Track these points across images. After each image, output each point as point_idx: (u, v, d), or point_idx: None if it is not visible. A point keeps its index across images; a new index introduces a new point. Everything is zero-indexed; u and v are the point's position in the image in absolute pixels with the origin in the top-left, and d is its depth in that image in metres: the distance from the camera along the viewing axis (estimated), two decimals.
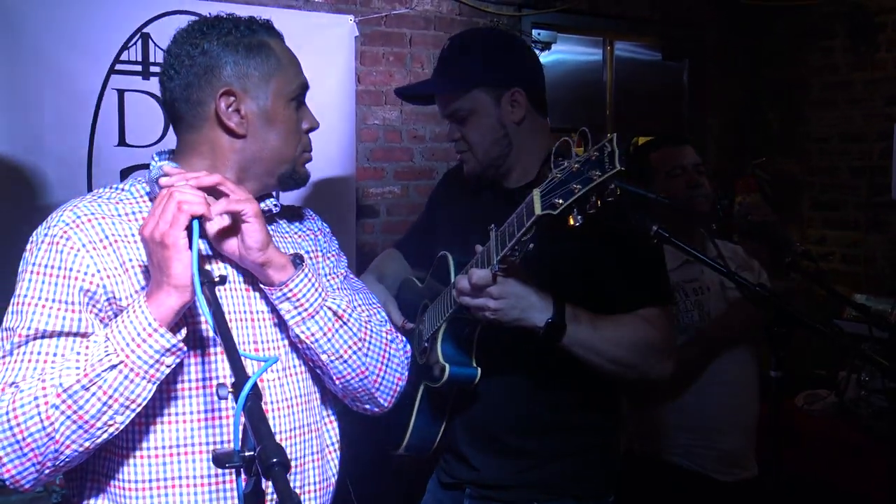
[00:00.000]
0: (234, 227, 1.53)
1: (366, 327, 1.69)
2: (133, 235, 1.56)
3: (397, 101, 4.31)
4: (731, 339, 2.78)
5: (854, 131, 5.12)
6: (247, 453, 1.17)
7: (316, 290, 1.61)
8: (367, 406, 1.77)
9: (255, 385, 1.19)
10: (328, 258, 1.83)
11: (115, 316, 1.49)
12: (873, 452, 3.27)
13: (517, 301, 1.91)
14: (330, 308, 1.63)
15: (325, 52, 3.95)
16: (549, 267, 2.01)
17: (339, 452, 1.79)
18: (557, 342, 1.96)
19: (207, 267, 1.53)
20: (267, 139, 1.63)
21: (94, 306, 1.50)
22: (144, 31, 3.54)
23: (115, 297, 1.51)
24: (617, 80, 5.27)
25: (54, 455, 1.42)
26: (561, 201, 1.63)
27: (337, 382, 1.68)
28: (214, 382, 1.56)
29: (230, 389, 1.23)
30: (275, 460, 1.10)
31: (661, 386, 2.77)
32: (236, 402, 1.18)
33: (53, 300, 1.48)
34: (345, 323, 1.64)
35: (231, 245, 1.55)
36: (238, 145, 1.62)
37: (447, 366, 2.08)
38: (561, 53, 5.03)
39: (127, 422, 1.44)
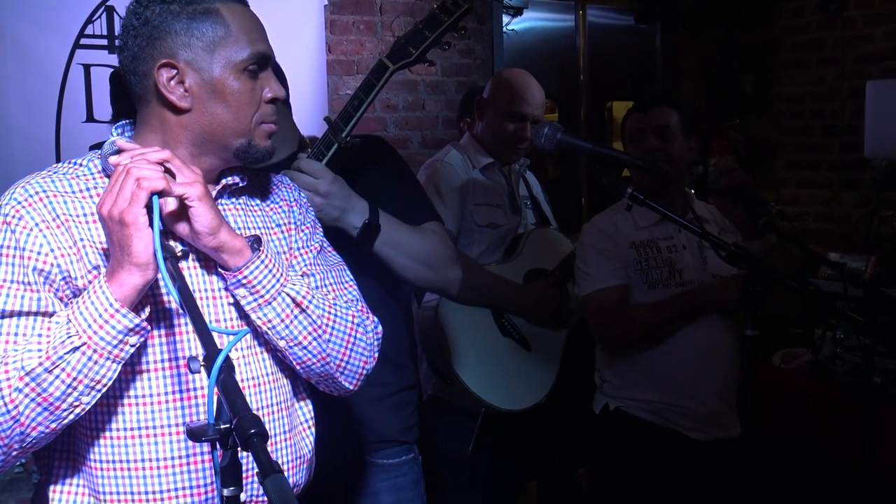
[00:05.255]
0: (183, 209, 1.47)
1: (329, 312, 1.63)
2: (87, 214, 1.50)
3: (369, 70, 4.27)
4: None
5: (826, 90, 5.13)
6: (222, 426, 1.16)
7: (273, 275, 1.55)
8: (332, 389, 1.73)
9: (227, 357, 1.18)
10: (302, 231, 1.77)
11: (74, 295, 1.46)
12: (849, 409, 3.30)
13: (341, 201, 1.98)
14: (288, 294, 1.57)
15: (294, 21, 3.91)
16: None
17: (314, 429, 1.75)
18: (372, 243, 2.05)
19: (168, 242, 1.48)
20: (215, 113, 1.55)
21: (50, 285, 1.46)
22: (108, 3, 3.49)
23: (70, 276, 1.47)
24: (590, 46, 5.25)
25: (21, 437, 1.40)
26: (413, 49, 2.02)
27: (297, 367, 1.65)
28: (182, 361, 1.53)
29: (202, 363, 1.21)
30: (253, 431, 1.09)
31: (635, 342, 2.79)
32: (209, 376, 1.17)
33: (12, 281, 1.44)
34: (304, 310, 1.59)
35: (183, 228, 1.49)
36: (184, 120, 1.55)
37: None
38: (533, 20, 4.99)
39: (93, 402, 1.42)
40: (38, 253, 1.45)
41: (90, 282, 1.45)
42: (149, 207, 1.38)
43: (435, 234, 2.21)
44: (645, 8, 5.35)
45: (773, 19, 5.36)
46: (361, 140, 2.18)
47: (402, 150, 4.27)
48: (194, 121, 1.55)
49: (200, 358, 1.23)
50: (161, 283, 1.49)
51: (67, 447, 1.55)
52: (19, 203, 1.47)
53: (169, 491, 1.52)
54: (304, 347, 1.61)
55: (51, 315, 1.45)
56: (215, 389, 1.17)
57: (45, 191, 1.50)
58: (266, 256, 1.55)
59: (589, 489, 4.06)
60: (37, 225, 1.46)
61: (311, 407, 1.76)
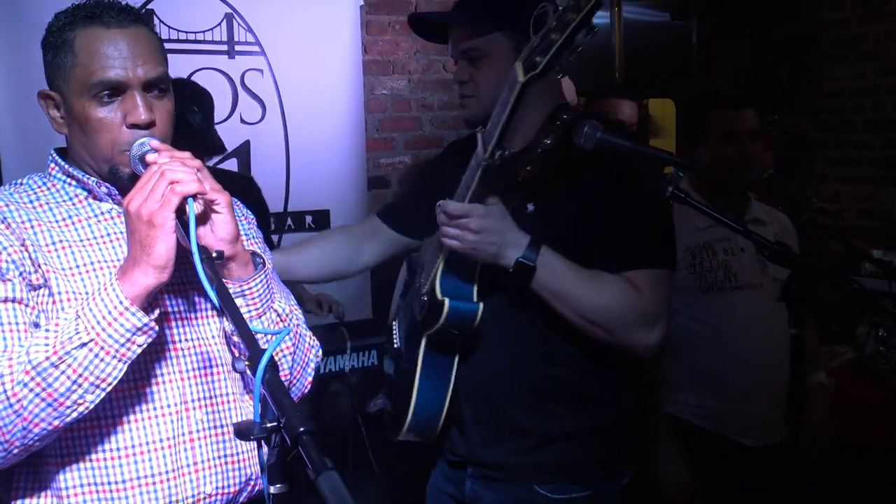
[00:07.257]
0: (205, 216, 1.48)
1: (296, 331, 1.67)
2: (31, 220, 1.54)
3: (405, 69, 4.28)
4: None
5: (866, 86, 5.06)
6: (268, 424, 1.17)
7: (269, 291, 1.59)
8: None
9: (271, 357, 1.19)
10: (256, 243, 1.78)
11: (31, 289, 1.48)
12: (892, 407, 3.26)
13: (497, 236, 1.86)
14: (275, 311, 1.61)
15: (331, 22, 3.93)
16: (539, 226, 1.95)
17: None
18: (527, 283, 1.90)
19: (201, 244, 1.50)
20: (81, 138, 1.57)
21: (12, 279, 1.47)
22: (149, 7, 3.52)
23: (25, 270, 1.48)
24: (625, 43, 5.22)
25: (23, 433, 1.39)
26: (540, 59, 1.63)
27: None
28: (201, 343, 1.60)
29: (247, 363, 1.23)
30: (302, 429, 1.10)
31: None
32: (253, 376, 1.18)
33: None
34: (284, 326, 1.63)
35: (199, 234, 1.47)
36: (71, 142, 1.60)
37: (446, 300, 1.94)
38: None
39: (97, 401, 1.42)
40: None
41: (43, 277, 1.48)
42: (179, 210, 1.39)
43: (627, 288, 1.92)
44: (681, 4, 5.30)
45: (810, 13, 5.29)
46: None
47: (438, 149, 4.27)
48: (75, 144, 1.59)
49: (244, 358, 1.24)
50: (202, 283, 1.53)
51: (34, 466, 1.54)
52: None
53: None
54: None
55: (26, 303, 1.46)
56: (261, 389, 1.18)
57: None
58: (268, 271, 1.59)
59: (634, 492, 4.02)
60: None
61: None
